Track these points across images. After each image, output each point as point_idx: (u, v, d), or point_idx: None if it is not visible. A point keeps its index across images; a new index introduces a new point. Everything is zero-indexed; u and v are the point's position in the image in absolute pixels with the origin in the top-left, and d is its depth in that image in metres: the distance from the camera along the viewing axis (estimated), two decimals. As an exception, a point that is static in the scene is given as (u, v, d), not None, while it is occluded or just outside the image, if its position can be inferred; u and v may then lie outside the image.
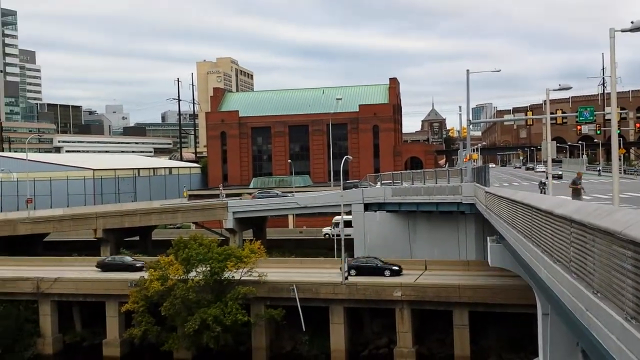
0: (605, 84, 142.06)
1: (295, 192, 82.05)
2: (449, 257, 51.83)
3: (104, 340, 46.82)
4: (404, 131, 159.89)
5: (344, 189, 58.37)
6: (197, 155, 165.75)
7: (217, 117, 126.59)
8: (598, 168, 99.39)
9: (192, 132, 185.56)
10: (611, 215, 9.14)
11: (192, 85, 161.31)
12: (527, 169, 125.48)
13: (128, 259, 55.53)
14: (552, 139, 39.12)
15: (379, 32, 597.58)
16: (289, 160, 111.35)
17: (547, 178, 42.14)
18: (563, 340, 20.53)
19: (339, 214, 54.85)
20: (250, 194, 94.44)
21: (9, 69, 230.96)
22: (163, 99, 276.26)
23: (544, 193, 38.35)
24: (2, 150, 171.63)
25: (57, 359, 47.71)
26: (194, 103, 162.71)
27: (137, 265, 52.14)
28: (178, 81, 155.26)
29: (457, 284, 40.67)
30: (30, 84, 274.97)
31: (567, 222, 11.77)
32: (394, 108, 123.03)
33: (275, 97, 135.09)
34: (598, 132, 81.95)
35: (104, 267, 53.58)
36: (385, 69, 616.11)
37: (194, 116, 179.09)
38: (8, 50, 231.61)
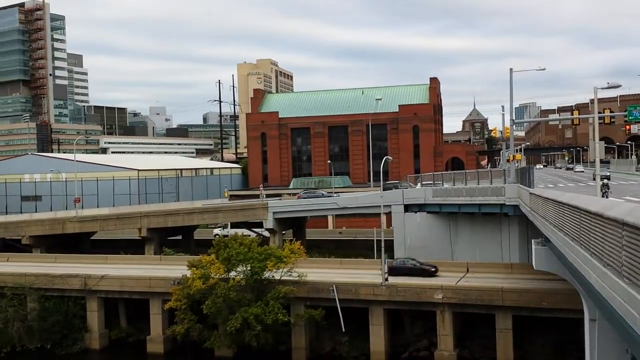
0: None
1: (339, 192, 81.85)
2: (491, 260, 50.99)
3: (148, 336, 47.71)
4: (444, 131, 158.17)
5: (383, 190, 58.03)
6: (238, 156, 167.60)
7: (257, 118, 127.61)
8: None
9: (233, 133, 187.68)
10: (667, 219, 8.81)
11: (233, 86, 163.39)
12: (567, 169, 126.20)
13: (414, 262, 48.19)
14: (600, 139, 38.01)
15: (421, 32, 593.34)
16: (329, 161, 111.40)
17: (594, 179, 41.04)
18: (612, 346, 19.93)
19: (379, 215, 54.53)
20: (290, 194, 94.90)
21: (57, 73, 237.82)
22: (205, 100, 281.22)
23: (606, 197, 34.87)
24: (52, 151, 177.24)
25: (104, 354, 48.88)
26: (234, 104, 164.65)
27: (432, 270, 46.60)
28: (219, 83, 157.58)
29: (500, 287, 39.95)
30: (77, 86, 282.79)
31: (619, 224, 11.41)
32: (435, 108, 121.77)
33: (314, 97, 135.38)
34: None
35: (393, 270, 45.72)
36: (426, 69, 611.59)
37: (234, 117, 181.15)
38: (57, 54, 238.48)
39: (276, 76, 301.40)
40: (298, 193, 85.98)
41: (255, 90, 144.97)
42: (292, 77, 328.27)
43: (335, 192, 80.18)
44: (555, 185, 64.89)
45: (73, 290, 49.76)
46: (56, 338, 48.29)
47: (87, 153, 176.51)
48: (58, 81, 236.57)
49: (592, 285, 14.63)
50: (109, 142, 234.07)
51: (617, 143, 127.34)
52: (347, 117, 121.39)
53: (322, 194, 79.53)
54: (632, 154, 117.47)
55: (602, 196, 34.41)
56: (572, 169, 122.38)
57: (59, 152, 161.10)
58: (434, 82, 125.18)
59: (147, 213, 71.32)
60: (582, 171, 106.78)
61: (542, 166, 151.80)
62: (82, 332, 48.95)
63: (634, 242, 10.39)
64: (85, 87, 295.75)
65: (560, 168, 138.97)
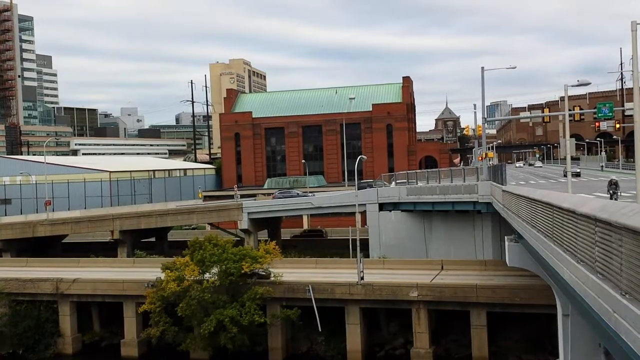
0: (624, 79, 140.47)
1: (314, 192, 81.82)
2: (465, 257, 51.45)
3: (122, 340, 47.07)
4: (418, 130, 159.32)
5: (358, 189, 58.18)
6: (212, 156, 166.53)
7: (230, 119, 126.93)
8: (601, 164, 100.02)
9: (206, 134, 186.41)
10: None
11: (206, 87, 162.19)
12: (529, 165, 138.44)
13: None
14: (570, 136, 38.60)
15: (393, 31, 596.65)
16: (303, 161, 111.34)
17: (564, 176, 41.62)
18: (584, 341, 20.26)
19: (354, 214, 54.65)
20: (264, 194, 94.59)
21: (26, 74, 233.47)
22: (177, 101, 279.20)
23: (615, 198, 31.51)
24: (21, 154, 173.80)
25: (77, 359, 48.06)
26: (207, 104, 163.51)
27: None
28: (192, 83, 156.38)
29: (475, 284, 40.31)
30: (47, 88, 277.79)
31: (592, 220, 11.55)
32: (408, 107, 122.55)
33: (288, 97, 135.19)
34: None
35: None
36: (399, 68, 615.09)
37: (207, 117, 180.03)
38: (25, 55, 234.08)
39: (249, 76, 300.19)
40: (273, 193, 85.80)
41: (228, 90, 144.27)
42: (265, 76, 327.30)
43: (311, 192, 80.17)
44: (526, 182, 65.83)
45: (45, 294, 48.79)
46: (28, 343, 47.35)
47: (57, 155, 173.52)
48: (27, 82, 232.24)
49: (566, 281, 14.80)
50: (80, 144, 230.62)
51: (587, 140, 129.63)
52: (321, 117, 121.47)
53: (297, 193, 79.48)
54: (601, 151, 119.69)
55: (611, 198, 31.88)
56: (533, 164, 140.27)
57: (28, 155, 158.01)
58: (407, 81, 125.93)
59: (120, 215, 70.41)
60: (541, 166, 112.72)
61: (521, 164, 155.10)
62: (54, 337, 48.04)
63: (606, 238, 10.52)
64: (55, 89, 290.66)
65: (522, 166, 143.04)
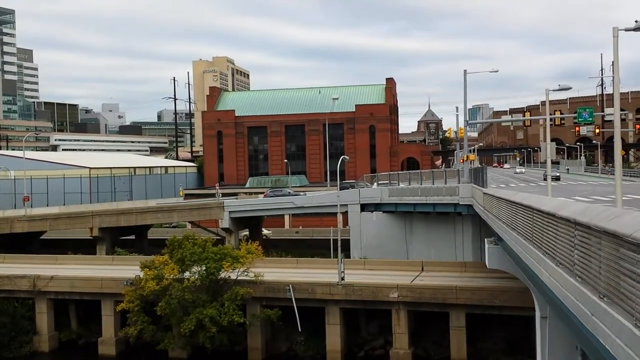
0: (604, 85, 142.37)
1: (305, 192, 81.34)
2: (445, 259, 51.70)
3: (99, 338, 46.54)
4: (400, 132, 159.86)
5: (340, 189, 58.16)
6: (193, 154, 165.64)
7: (213, 117, 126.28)
8: (567, 167, 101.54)
9: (188, 131, 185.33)
10: (619, 218, 8.99)
11: (188, 84, 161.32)
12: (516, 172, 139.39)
13: None
14: (550, 140, 38.97)
15: (375, 33, 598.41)
16: (285, 160, 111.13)
17: (544, 179, 42.02)
18: (562, 343, 20.42)
19: (335, 214, 54.65)
20: (246, 193, 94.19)
21: (6, 68, 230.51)
22: (159, 98, 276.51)
23: None
24: (0, 149, 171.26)
25: (53, 357, 47.41)
26: (190, 102, 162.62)
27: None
28: (174, 80, 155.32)
29: (454, 286, 40.52)
30: (27, 82, 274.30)
31: (572, 224, 11.62)
32: (391, 108, 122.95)
33: (271, 96, 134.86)
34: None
35: None
36: (382, 70, 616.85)
37: (189, 115, 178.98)
38: (6, 48, 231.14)
39: (232, 74, 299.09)
40: (253, 192, 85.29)
41: (211, 88, 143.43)
42: (248, 75, 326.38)
43: (302, 192, 79.85)
44: (507, 185, 66.35)
45: (21, 291, 48.07)
46: (3, 341, 46.53)
47: (37, 150, 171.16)
48: (7, 76, 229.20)
49: (544, 284, 14.90)
50: (60, 140, 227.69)
51: (567, 144, 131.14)
52: (304, 117, 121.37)
53: (289, 192, 79.15)
54: (581, 155, 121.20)
55: None
56: (509, 168, 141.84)
57: (7, 149, 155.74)
58: (390, 83, 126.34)
59: (99, 212, 69.70)
60: (523, 172, 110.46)
61: (523, 170, 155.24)
62: (30, 335, 47.34)
63: (585, 241, 10.59)
64: (36, 83, 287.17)
65: (523, 172, 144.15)
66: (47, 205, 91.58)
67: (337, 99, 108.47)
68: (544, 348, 22.72)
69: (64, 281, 47.85)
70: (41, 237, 76.59)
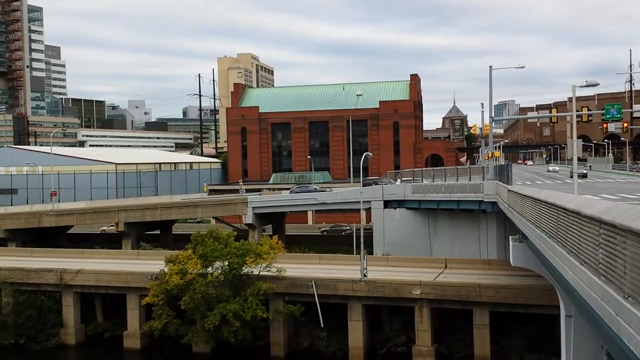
0: (633, 81, 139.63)
1: (331, 188, 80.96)
2: (469, 256, 51.32)
3: (124, 332, 47.22)
4: (424, 128, 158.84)
5: (363, 186, 58.08)
6: (218, 150, 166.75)
7: (237, 113, 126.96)
8: (589, 165, 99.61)
9: (213, 128, 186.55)
10: (645, 217, 8.83)
11: (213, 80, 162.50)
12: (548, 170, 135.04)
13: None
14: (577, 137, 38.36)
15: (400, 28, 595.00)
16: (309, 156, 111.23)
17: (571, 177, 41.41)
18: (587, 342, 20.13)
19: (358, 210, 54.55)
20: (270, 189, 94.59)
21: (35, 65, 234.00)
22: (185, 94, 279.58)
23: None
24: (28, 144, 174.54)
25: (79, 349, 48.23)
26: (214, 98, 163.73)
27: None
28: (199, 77, 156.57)
29: (478, 283, 40.19)
30: (55, 79, 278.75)
31: (597, 222, 11.44)
32: (415, 105, 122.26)
33: (295, 93, 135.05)
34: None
35: None
36: (406, 66, 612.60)
37: (214, 111, 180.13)
38: (34, 46, 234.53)
39: (257, 71, 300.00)
40: (291, 188, 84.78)
41: (236, 84, 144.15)
42: (272, 72, 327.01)
43: (330, 188, 79.67)
44: (533, 183, 65.51)
45: (48, 284, 48.99)
46: (30, 333, 47.52)
47: (64, 146, 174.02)
48: (35, 73, 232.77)
49: (569, 282, 14.70)
50: (87, 136, 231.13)
51: (595, 141, 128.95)
52: (328, 113, 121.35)
53: (315, 188, 79.18)
54: (608, 152, 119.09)
55: None
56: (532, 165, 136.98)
57: (35, 145, 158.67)
58: (415, 79, 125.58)
59: (125, 207, 70.58)
60: (557, 170, 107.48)
61: (556, 167, 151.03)
62: (57, 327, 48.25)
63: (610, 240, 10.42)
64: (63, 80, 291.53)
65: (557, 170, 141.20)
66: (74, 200, 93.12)
67: (361, 95, 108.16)
68: (569, 347, 22.42)
69: (90, 275, 48.62)
70: (68, 232, 77.86)
